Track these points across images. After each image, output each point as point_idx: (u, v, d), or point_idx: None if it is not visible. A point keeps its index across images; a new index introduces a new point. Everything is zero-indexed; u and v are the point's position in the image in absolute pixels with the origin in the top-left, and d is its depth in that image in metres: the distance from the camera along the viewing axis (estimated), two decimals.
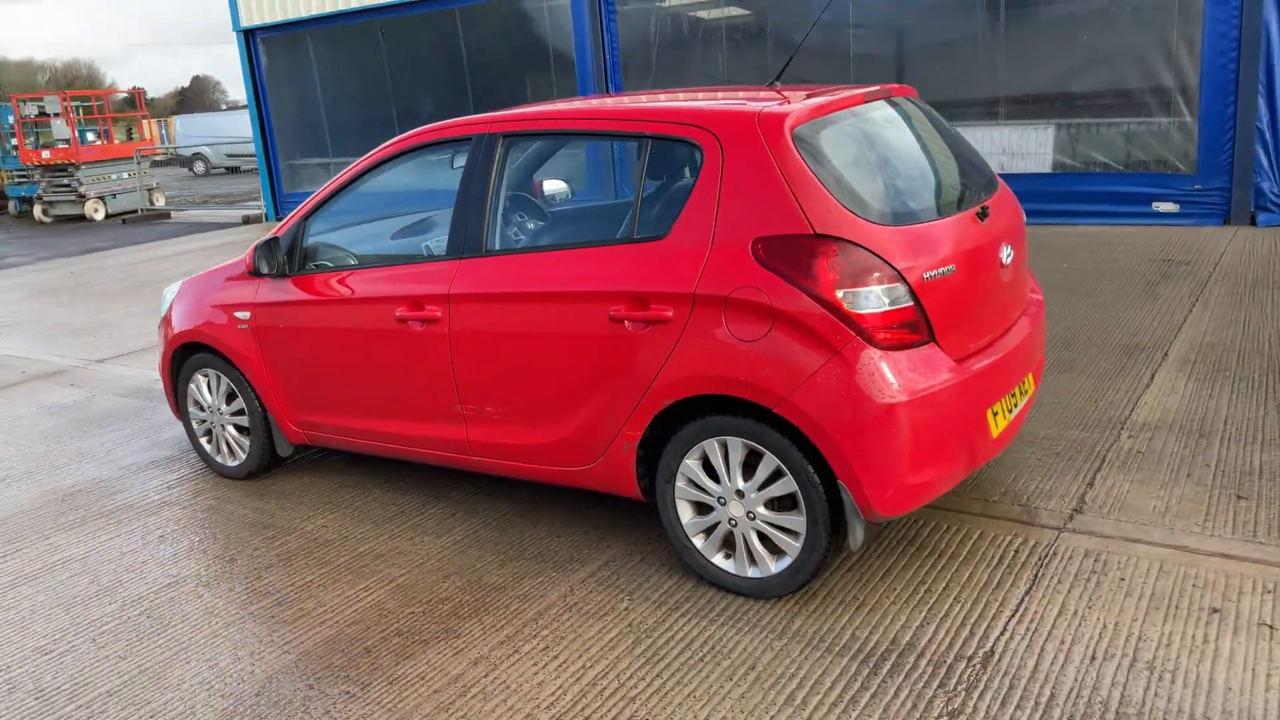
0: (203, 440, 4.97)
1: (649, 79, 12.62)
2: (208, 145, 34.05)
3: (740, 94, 3.68)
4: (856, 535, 3.12)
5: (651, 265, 3.31)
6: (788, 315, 3.06)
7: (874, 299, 3.03)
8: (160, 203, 21.44)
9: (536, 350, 3.60)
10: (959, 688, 2.79)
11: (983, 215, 3.48)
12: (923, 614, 3.17)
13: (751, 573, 3.33)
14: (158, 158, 37.48)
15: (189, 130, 36.64)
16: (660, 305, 3.28)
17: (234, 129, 31.62)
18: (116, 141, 22.96)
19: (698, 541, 3.43)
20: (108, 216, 20.68)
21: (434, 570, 3.76)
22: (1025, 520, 3.71)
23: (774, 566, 3.28)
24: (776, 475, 3.19)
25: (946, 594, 3.27)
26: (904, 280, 3.07)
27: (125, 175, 21.17)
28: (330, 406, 4.37)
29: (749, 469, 3.26)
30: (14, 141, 21.81)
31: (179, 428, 5.70)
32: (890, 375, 3.02)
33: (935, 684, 2.82)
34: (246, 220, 17.64)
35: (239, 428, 4.79)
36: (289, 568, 3.90)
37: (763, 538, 3.29)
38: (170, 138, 39.10)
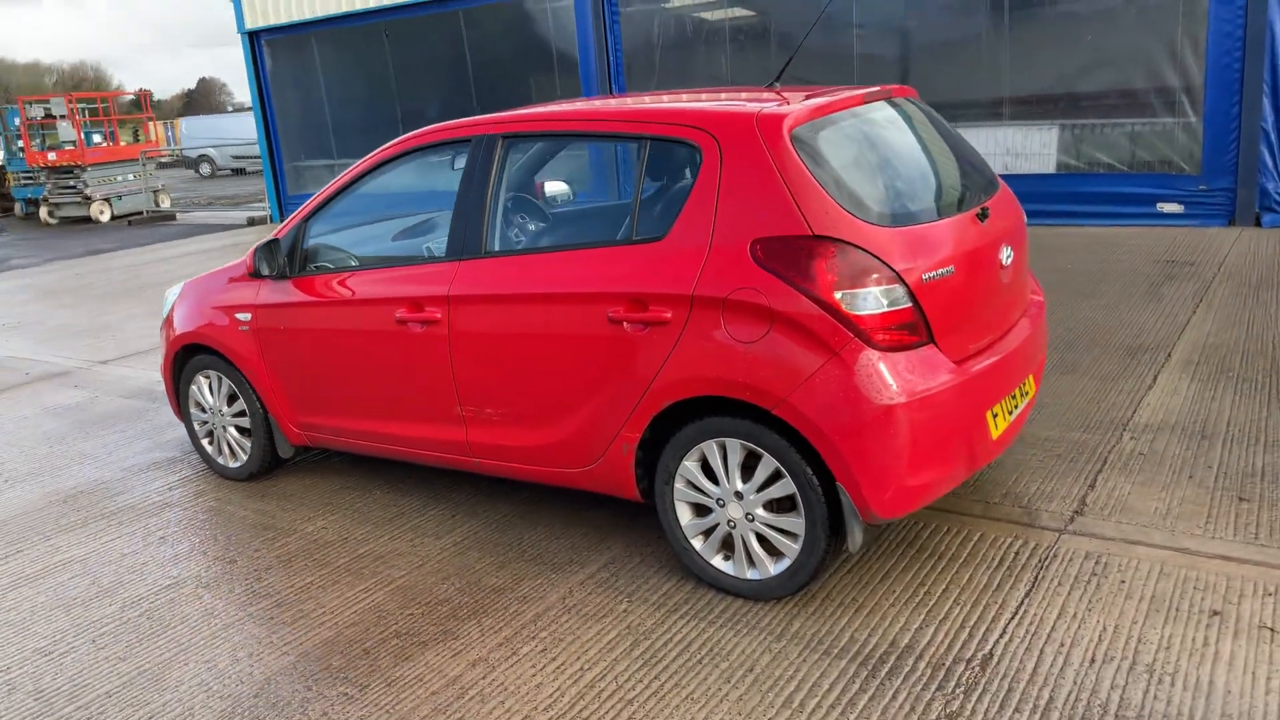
0: (204, 442, 4.98)
1: (652, 80, 12.62)
2: (213, 147, 34.13)
3: (739, 95, 3.67)
4: (855, 537, 3.11)
5: (650, 266, 3.31)
6: (786, 316, 3.05)
7: (872, 300, 3.02)
8: (165, 204, 21.51)
9: (536, 352, 3.59)
10: (957, 690, 2.78)
11: (982, 216, 3.47)
12: (922, 616, 3.16)
13: (750, 574, 3.32)
14: (163, 159, 37.56)
15: (195, 132, 36.72)
16: (659, 306, 3.27)
17: (240, 131, 31.70)
18: (123, 143, 23.04)
19: (697, 543, 3.43)
20: (113, 218, 20.74)
21: (433, 572, 3.76)
22: (1026, 522, 3.70)
23: (773, 568, 3.27)
24: (775, 477, 3.18)
25: (946, 596, 3.26)
26: (903, 281, 3.06)
27: (130, 177, 21.23)
28: (331, 408, 4.38)
29: (748, 470, 3.25)
30: (20, 143, 21.89)
31: (181, 429, 5.71)
32: (889, 377, 3.01)
33: (934, 687, 2.81)
34: (251, 222, 17.68)
35: (240, 429, 4.79)
36: (289, 569, 3.90)
37: (762, 539, 3.28)
38: (176, 139, 39.21)
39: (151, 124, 26.12)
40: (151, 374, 7.13)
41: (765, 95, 3.60)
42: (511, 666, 3.09)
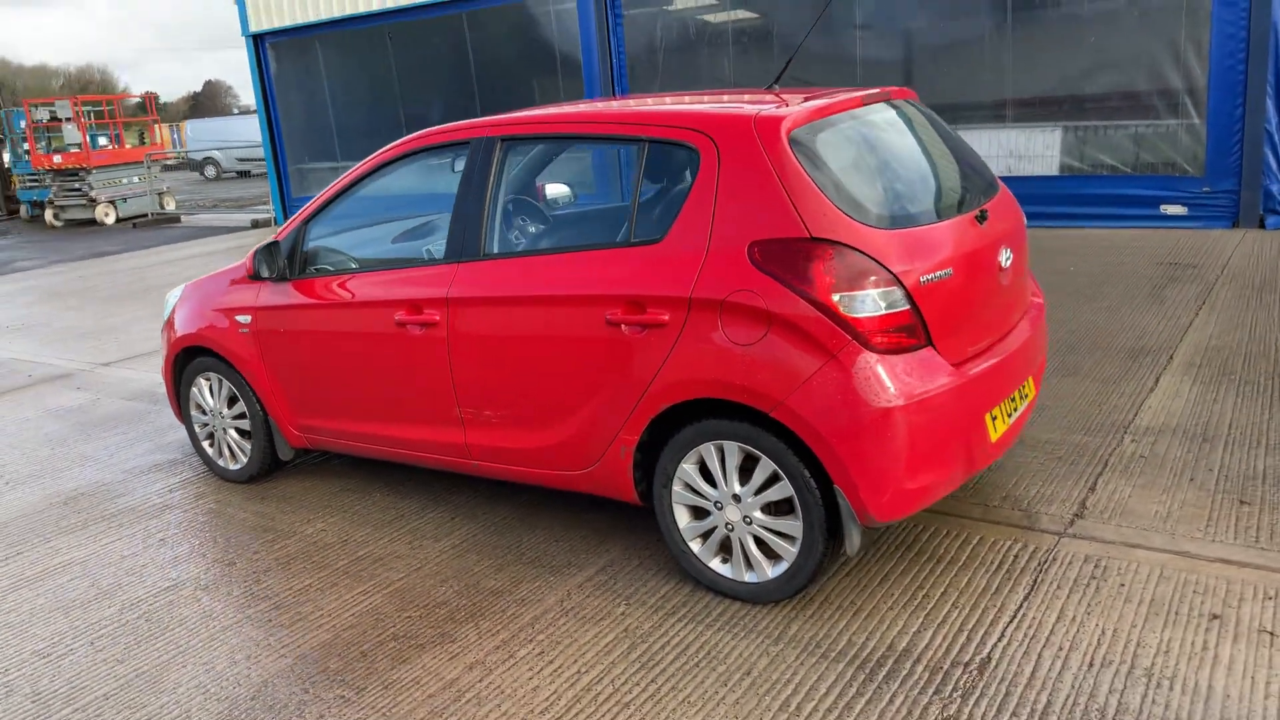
0: (205, 444, 4.98)
1: (655, 82, 12.63)
2: (218, 149, 34.19)
3: (737, 97, 3.67)
4: (853, 540, 3.10)
5: (648, 269, 3.30)
6: (783, 319, 3.04)
7: (870, 303, 3.02)
8: (170, 207, 21.55)
9: (534, 354, 3.59)
10: (955, 694, 2.77)
11: (981, 218, 3.46)
12: (920, 620, 3.15)
13: (748, 577, 3.31)
14: (169, 162, 37.67)
15: (200, 135, 36.80)
16: (656, 309, 3.27)
17: (245, 133, 31.76)
18: (129, 146, 23.10)
19: (695, 546, 3.42)
20: (118, 220, 20.79)
21: (432, 574, 3.76)
22: (1025, 525, 3.69)
23: (770, 571, 3.26)
24: (773, 480, 3.18)
25: (944, 599, 3.25)
26: (900, 284, 3.05)
27: (136, 180, 21.28)
28: (330, 410, 4.38)
29: (746, 473, 3.25)
30: (26, 146, 21.96)
31: (182, 431, 5.71)
32: (886, 379, 3.00)
33: (931, 690, 2.80)
34: (255, 224, 17.72)
35: (240, 431, 4.80)
36: (287, 571, 3.90)
37: (759, 542, 3.28)
38: (182, 142, 39.30)
39: (157, 126, 26.18)
40: (154, 376, 7.14)
41: (764, 97, 3.59)
42: (509, 669, 3.09)
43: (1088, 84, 9.89)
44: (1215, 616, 3.02)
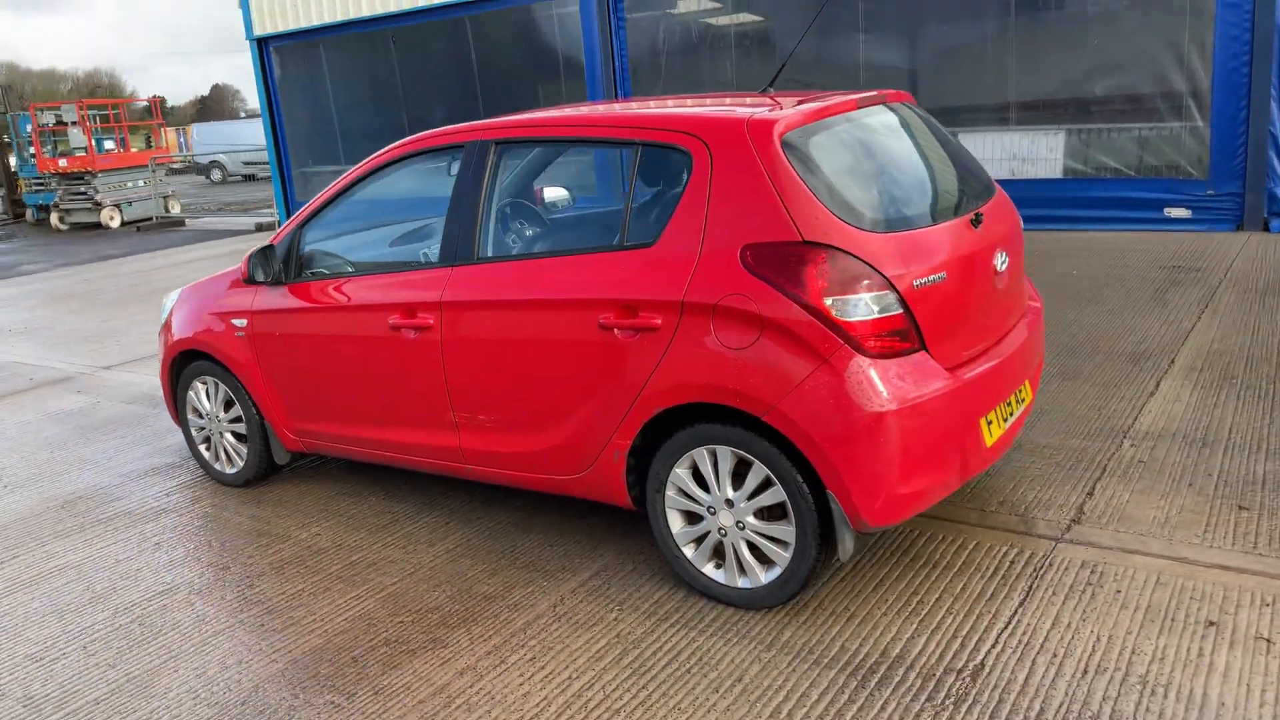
0: (201, 447, 4.98)
1: (658, 85, 12.62)
2: (224, 153, 34.29)
3: (731, 100, 3.65)
4: (845, 545, 3.08)
5: (640, 273, 3.29)
6: (776, 323, 3.03)
7: (863, 307, 3.00)
8: (175, 210, 21.61)
9: (527, 358, 3.58)
10: (947, 701, 2.75)
11: (976, 222, 3.44)
12: (914, 626, 3.13)
13: (741, 583, 3.30)
14: (175, 165, 37.80)
15: (206, 138, 36.91)
16: (649, 313, 3.25)
17: (251, 137, 31.84)
18: (135, 149, 23.17)
19: (688, 551, 3.40)
20: (123, 224, 20.84)
21: (425, 579, 3.75)
22: (1022, 530, 3.67)
23: (764, 577, 3.24)
24: (766, 484, 3.16)
25: (939, 605, 3.23)
26: (893, 288, 3.03)
27: (141, 183, 21.34)
28: (325, 414, 4.37)
29: (739, 478, 3.23)
30: (31, 150, 22.03)
31: (180, 435, 5.71)
32: (879, 383, 2.98)
33: (923, 697, 2.78)
34: (260, 228, 17.74)
35: (237, 435, 4.79)
36: (281, 576, 3.89)
37: (753, 547, 3.26)
38: (188, 145, 39.41)
39: (163, 130, 26.26)
40: (154, 379, 7.14)
41: (758, 101, 3.58)
42: (499, 675, 3.08)
43: (1091, 87, 9.87)
44: (1212, 623, 2.99)
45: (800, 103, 3.43)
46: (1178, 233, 9.32)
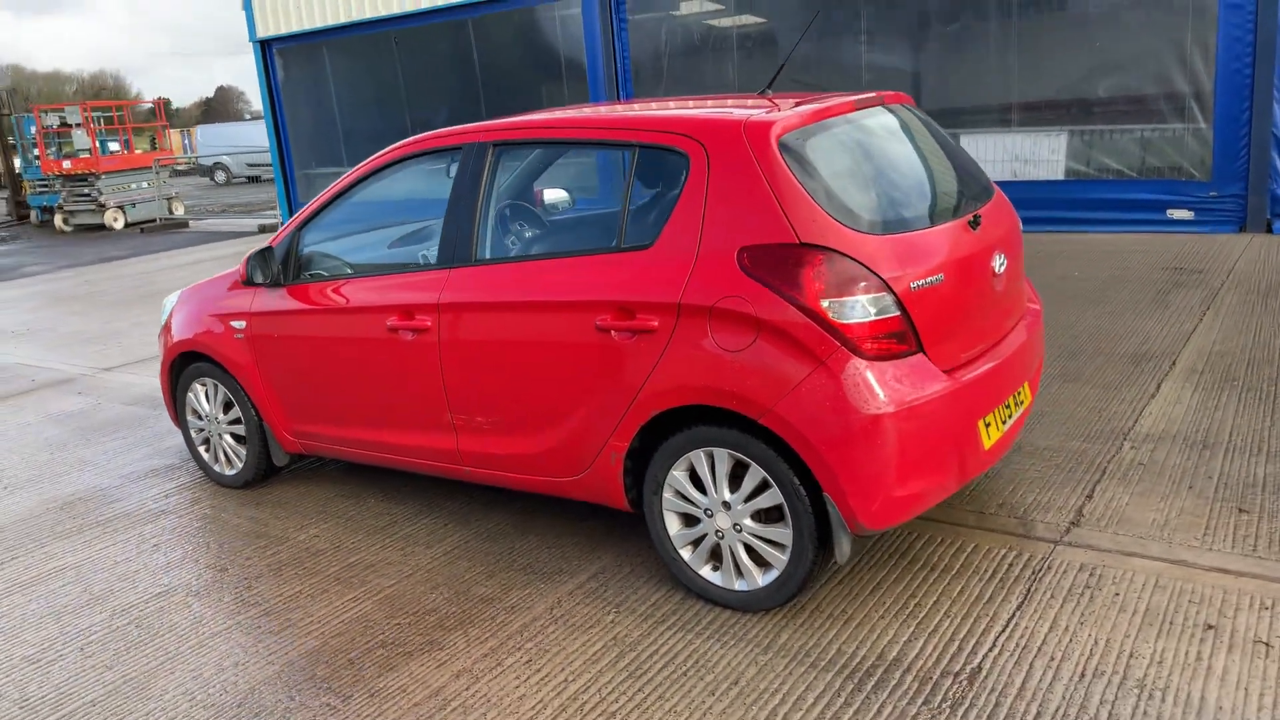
0: (201, 449, 4.98)
1: (660, 87, 12.62)
2: (228, 155, 34.34)
3: (729, 102, 3.65)
4: (842, 548, 3.07)
5: (637, 275, 3.28)
6: (773, 325, 3.02)
7: (860, 309, 2.99)
8: (179, 212, 21.65)
9: (524, 360, 3.58)
10: (944, 705, 2.74)
11: (975, 224, 3.43)
12: (911, 629, 3.12)
13: (739, 585, 3.29)
14: (179, 167, 37.87)
15: (211, 140, 36.96)
16: (646, 315, 3.25)
17: (255, 138, 31.86)
18: (139, 151, 23.22)
19: (685, 553, 3.40)
20: (127, 225, 20.88)
21: (422, 581, 3.74)
22: (1021, 533, 3.65)
23: (761, 579, 3.23)
24: (763, 487, 3.15)
25: (936, 608, 3.22)
26: (890, 290, 3.03)
27: (144, 185, 21.38)
28: (324, 416, 4.37)
29: (736, 480, 3.22)
30: (36, 151, 22.08)
31: (180, 436, 5.71)
32: (876, 386, 2.97)
33: (920, 701, 2.77)
34: (263, 229, 17.76)
35: (236, 437, 4.79)
36: (279, 578, 3.89)
37: (750, 550, 3.25)
38: (193, 147, 39.47)
39: (167, 132, 26.31)
40: (155, 381, 7.15)
41: (755, 103, 3.57)
42: (495, 678, 3.07)
43: (1093, 88, 9.85)
44: (1210, 627, 2.98)
45: (798, 104, 3.42)
46: (1180, 234, 9.30)
